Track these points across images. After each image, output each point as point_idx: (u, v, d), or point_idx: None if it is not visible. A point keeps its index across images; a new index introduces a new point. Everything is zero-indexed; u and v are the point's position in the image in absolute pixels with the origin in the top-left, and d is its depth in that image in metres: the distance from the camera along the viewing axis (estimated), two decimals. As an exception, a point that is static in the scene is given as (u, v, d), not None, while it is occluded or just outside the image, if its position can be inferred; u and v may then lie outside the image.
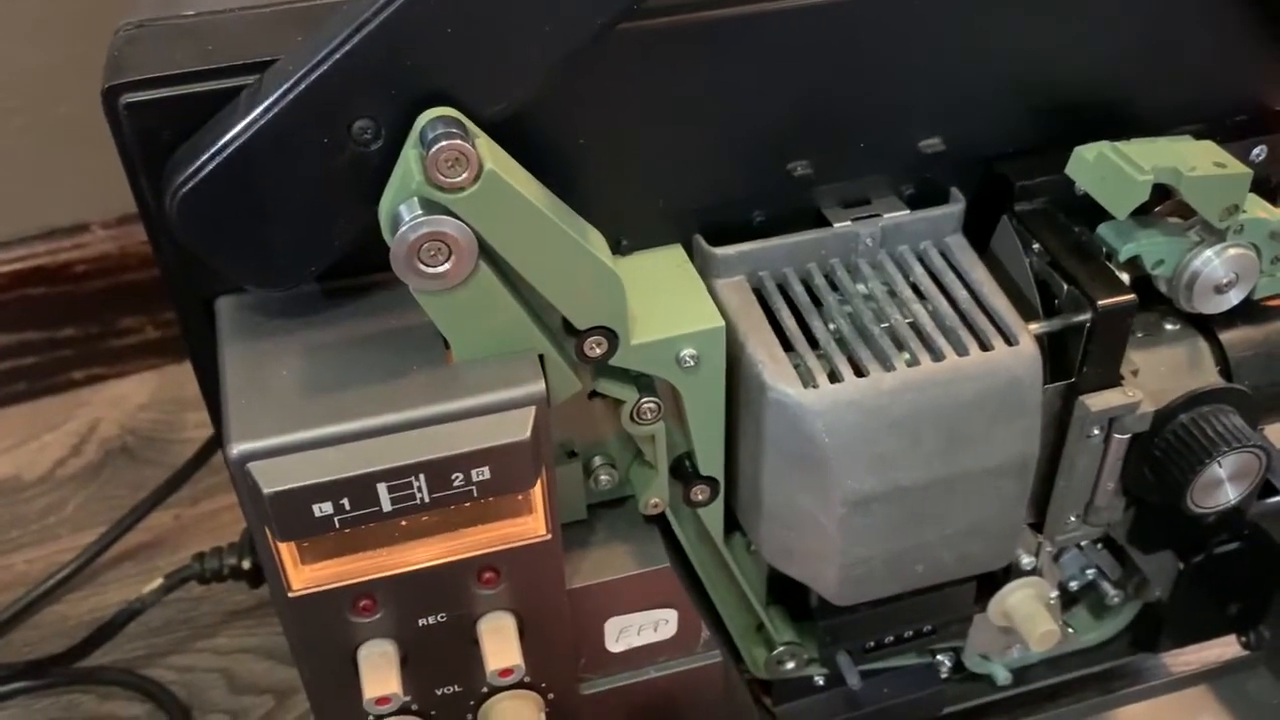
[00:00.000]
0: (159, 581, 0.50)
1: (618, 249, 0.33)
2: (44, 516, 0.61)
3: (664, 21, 0.30)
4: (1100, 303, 0.32)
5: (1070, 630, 0.45)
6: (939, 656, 0.44)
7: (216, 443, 0.54)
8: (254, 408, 0.28)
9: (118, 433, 0.67)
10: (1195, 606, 0.44)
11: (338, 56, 0.26)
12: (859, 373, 0.32)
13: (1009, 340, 0.32)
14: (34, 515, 0.62)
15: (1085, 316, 0.32)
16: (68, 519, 0.61)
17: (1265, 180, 0.37)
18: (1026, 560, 0.40)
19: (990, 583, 0.40)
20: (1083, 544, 0.41)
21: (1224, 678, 0.48)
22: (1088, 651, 0.46)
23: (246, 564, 0.48)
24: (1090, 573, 0.42)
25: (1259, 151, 0.37)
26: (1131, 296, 0.33)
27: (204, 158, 0.27)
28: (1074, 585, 0.42)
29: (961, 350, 0.32)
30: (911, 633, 0.40)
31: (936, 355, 0.32)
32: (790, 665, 0.41)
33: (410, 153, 0.26)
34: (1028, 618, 0.39)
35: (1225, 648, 0.49)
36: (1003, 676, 0.45)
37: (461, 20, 0.26)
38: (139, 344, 0.70)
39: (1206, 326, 0.37)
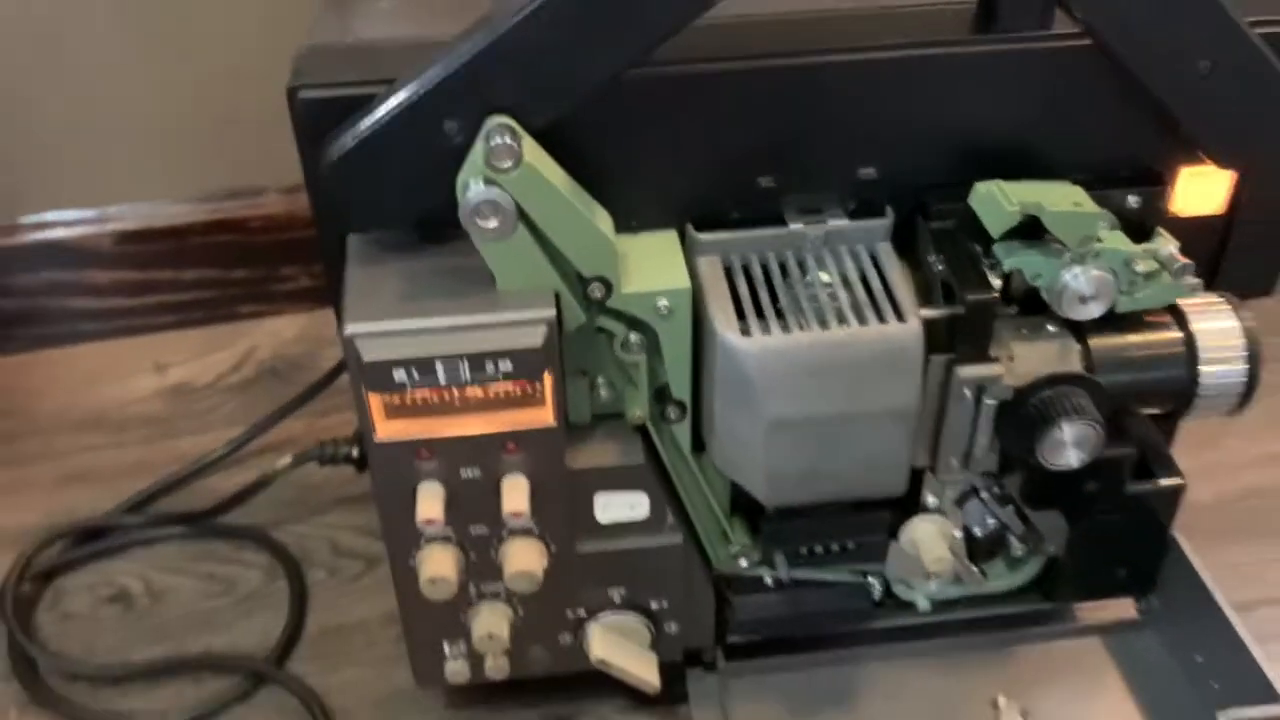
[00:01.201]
0: (288, 459, 0.65)
1: (629, 229, 0.46)
2: (206, 414, 0.78)
3: (663, 71, 0.43)
4: (969, 297, 0.44)
5: (984, 577, 0.56)
6: (871, 579, 0.55)
7: (341, 368, 0.69)
8: (362, 305, 0.42)
9: (270, 358, 0.83)
10: (1086, 565, 0.54)
11: (441, 79, 0.40)
12: (786, 330, 0.44)
13: (901, 318, 0.44)
14: (198, 413, 0.78)
15: (959, 307, 0.44)
16: (223, 418, 0.77)
17: (1141, 222, 0.48)
18: (931, 500, 0.51)
19: (903, 517, 0.52)
20: (984, 496, 0.52)
21: (1116, 634, 0.58)
22: (1002, 596, 0.57)
23: (355, 453, 0.63)
24: (991, 522, 0.53)
25: (1134, 199, 0.47)
26: (993, 295, 0.44)
27: (349, 138, 0.41)
28: (978, 531, 0.53)
29: (864, 322, 0.44)
30: (838, 547, 0.52)
31: (845, 323, 0.44)
32: (744, 563, 0.53)
33: (479, 145, 0.40)
34: (924, 544, 0.51)
35: (1125, 609, 0.59)
36: (924, 604, 0.56)
37: (515, 70, 0.39)
38: (295, 289, 0.86)
39: (1080, 332, 0.48)
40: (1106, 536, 0.53)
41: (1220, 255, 0.51)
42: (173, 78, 0.77)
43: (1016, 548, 0.54)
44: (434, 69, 0.40)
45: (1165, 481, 0.52)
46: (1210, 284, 0.50)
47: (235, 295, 0.85)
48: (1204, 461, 0.71)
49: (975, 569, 0.54)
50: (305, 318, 0.86)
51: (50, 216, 0.81)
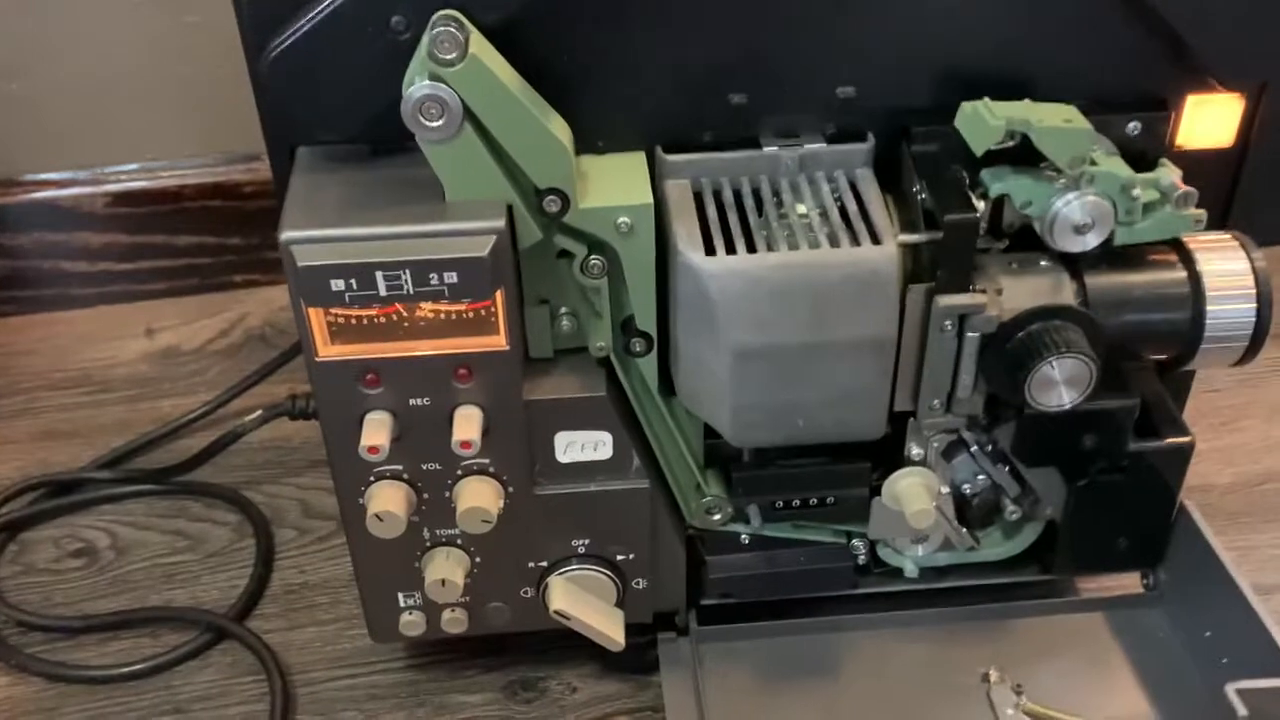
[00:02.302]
0: (258, 413, 0.63)
1: (595, 149, 0.44)
2: (190, 377, 0.76)
3: (629, -28, 0.41)
4: (948, 218, 0.41)
5: (976, 542, 0.52)
6: (855, 541, 0.52)
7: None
8: (301, 212, 0.40)
9: (259, 325, 0.81)
10: (1086, 533, 0.51)
11: (386, -28, 0.38)
12: (752, 250, 0.41)
13: (876, 241, 0.41)
14: (183, 375, 0.76)
15: (938, 231, 0.41)
16: (207, 381, 0.75)
17: (1142, 152, 0.45)
18: (915, 451, 0.48)
19: (886, 470, 0.49)
20: (974, 450, 0.49)
21: (1120, 609, 0.54)
22: (997, 565, 0.54)
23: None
24: (982, 479, 0.49)
25: (1134, 126, 0.44)
26: (974, 215, 0.41)
27: (286, 35, 0.39)
28: (968, 489, 0.50)
29: (835, 243, 0.41)
30: (816, 501, 0.49)
31: (813, 244, 0.41)
32: (717, 516, 0.50)
33: (424, 37, 0.38)
34: (907, 497, 0.47)
35: (1130, 583, 0.55)
36: (911, 570, 0.53)
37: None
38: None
39: (1074, 266, 0.44)
40: (1108, 500, 0.50)
41: (1232, 193, 0.47)
42: (170, 39, 0.76)
43: (1011, 510, 0.51)
44: (380, -38, 0.38)
45: (1171, 439, 0.48)
46: (1223, 225, 0.47)
47: (229, 262, 0.84)
48: (1223, 443, 0.68)
49: (964, 531, 0.51)
50: (300, 288, 0.84)
51: (42, 177, 0.80)
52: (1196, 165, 0.46)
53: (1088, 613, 0.54)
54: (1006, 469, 0.50)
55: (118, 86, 0.78)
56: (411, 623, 0.50)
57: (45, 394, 0.75)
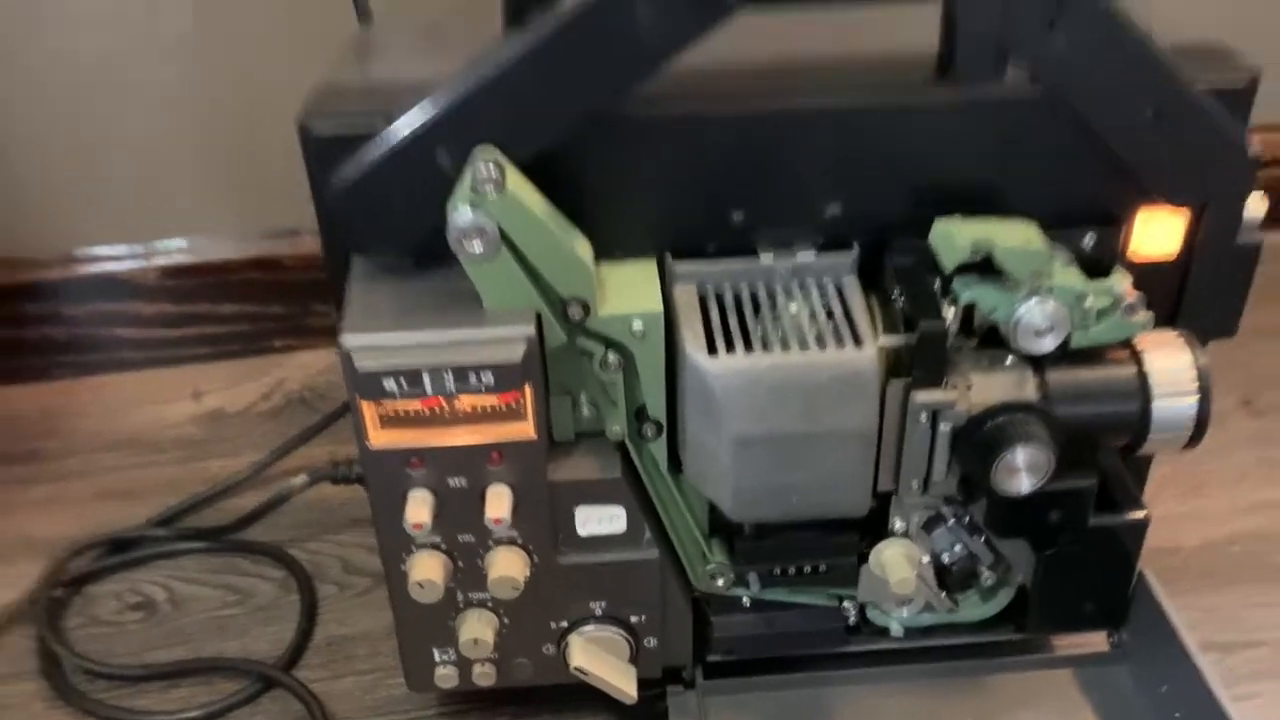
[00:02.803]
0: (304, 477, 0.69)
1: (612, 257, 0.50)
2: (235, 439, 0.82)
3: (642, 113, 0.46)
4: (921, 325, 0.46)
5: (954, 604, 0.57)
6: (846, 604, 0.57)
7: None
8: (358, 320, 0.46)
9: (299, 388, 0.87)
10: (1054, 597, 0.56)
11: (434, 114, 0.44)
12: (750, 351, 0.47)
13: (859, 344, 0.47)
14: (228, 437, 0.82)
15: (914, 334, 0.47)
16: (252, 443, 0.81)
17: (1097, 260, 0.50)
18: (899, 524, 0.54)
19: (873, 541, 0.54)
20: (951, 523, 0.54)
21: (1088, 665, 0.59)
22: (976, 625, 0.59)
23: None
24: (960, 549, 0.55)
25: (1089, 238, 0.50)
26: (943, 323, 0.47)
27: (349, 169, 0.45)
28: (946, 558, 0.55)
29: (824, 346, 0.47)
30: (809, 568, 0.54)
31: (804, 346, 0.47)
32: (720, 581, 0.55)
33: (466, 173, 0.44)
34: (890, 566, 0.53)
35: (1098, 642, 0.60)
36: (897, 629, 0.58)
37: (499, 106, 0.44)
38: (325, 325, 0.90)
39: (1037, 364, 0.50)
40: (1073, 568, 0.55)
41: (1180, 296, 0.53)
42: (217, 125, 0.83)
43: (986, 577, 0.56)
44: (428, 105, 0.44)
45: (1129, 515, 0.54)
46: (1173, 324, 0.53)
47: (270, 329, 0.90)
48: (1192, 507, 0.73)
49: (944, 595, 0.56)
50: (331, 352, 0.90)
51: (98, 251, 0.86)
52: (1148, 271, 0.52)
53: (1059, 669, 0.59)
54: (981, 540, 0.55)
55: (168, 169, 0.85)
56: (445, 675, 0.55)
57: (101, 455, 0.81)
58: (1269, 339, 0.88)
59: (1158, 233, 0.51)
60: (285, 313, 0.90)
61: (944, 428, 0.48)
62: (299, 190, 0.50)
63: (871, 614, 0.58)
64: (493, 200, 0.44)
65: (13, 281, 0.86)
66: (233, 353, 0.90)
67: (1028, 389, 0.49)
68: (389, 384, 0.45)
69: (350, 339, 0.45)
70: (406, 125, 0.45)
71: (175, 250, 0.87)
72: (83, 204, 0.85)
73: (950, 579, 0.56)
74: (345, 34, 0.64)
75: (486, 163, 0.43)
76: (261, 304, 0.89)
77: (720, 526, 0.55)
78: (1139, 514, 0.54)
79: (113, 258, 0.87)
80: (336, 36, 0.64)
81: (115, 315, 0.88)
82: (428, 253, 0.47)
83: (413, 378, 0.45)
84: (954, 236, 0.47)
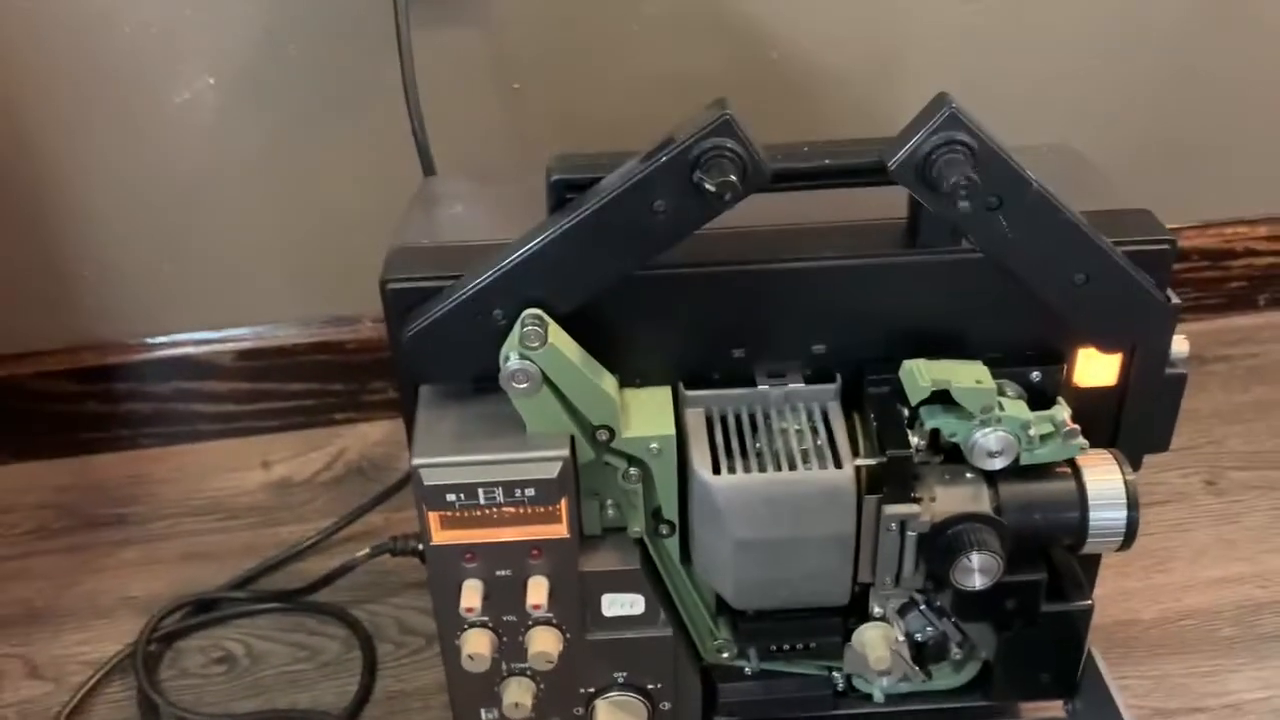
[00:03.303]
0: (366, 550, 0.79)
1: (633, 384, 0.60)
2: (302, 506, 0.92)
3: (659, 272, 0.56)
4: (889, 451, 0.56)
5: (929, 676, 0.66)
6: (835, 674, 0.67)
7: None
8: (426, 442, 0.56)
9: (358, 458, 0.97)
10: (1014, 670, 0.65)
11: (491, 279, 0.54)
12: (748, 471, 0.57)
13: (839, 466, 0.56)
14: (296, 504, 0.93)
15: (883, 458, 0.56)
16: (317, 509, 0.91)
17: (1043, 391, 0.60)
18: (877, 610, 0.63)
19: (856, 622, 0.63)
20: (922, 608, 0.63)
21: (1047, 731, 0.68)
22: (948, 693, 0.68)
23: (420, 546, 0.76)
24: (931, 630, 0.64)
25: (1036, 374, 0.59)
26: (909, 450, 0.56)
27: (420, 320, 0.55)
28: (920, 637, 0.64)
29: (810, 467, 0.56)
30: (802, 646, 0.64)
31: (792, 466, 0.56)
32: (725, 654, 0.65)
33: (516, 329, 0.54)
34: (870, 646, 0.62)
35: (1055, 710, 0.69)
36: (879, 696, 0.67)
37: (541, 275, 0.54)
38: (381, 400, 1.00)
39: (992, 479, 0.59)
40: (1030, 646, 0.64)
41: (1119, 419, 0.62)
42: (287, 229, 0.94)
43: (955, 652, 0.65)
44: (486, 271, 0.55)
45: (1076, 604, 0.63)
46: (1114, 443, 0.62)
47: (332, 404, 1.01)
48: (1152, 583, 0.82)
49: (918, 669, 0.65)
50: (390, 424, 1.00)
51: (180, 336, 0.97)
52: (1091, 396, 0.61)
53: (1021, 733, 0.68)
54: (950, 621, 0.64)
55: (243, 265, 0.95)
56: (490, 732, 0.65)
57: (185, 519, 0.91)
58: (1231, 423, 0.97)
59: (1097, 367, 0.61)
60: (345, 389, 1.00)
61: (911, 534, 0.58)
62: (357, 283, 0.59)
63: (857, 683, 0.67)
64: (536, 351, 0.54)
65: (104, 362, 0.97)
66: (298, 425, 1.00)
67: (982, 501, 0.58)
68: (450, 496, 0.55)
69: (420, 459, 0.55)
70: (468, 286, 0.55)
71: (248, 335, 0.98)
72: (167, 295, 0.96)
73: (925, 654, 0.65)
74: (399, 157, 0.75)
75: (533, 322, 0.54)
76: (324, 382, 1.00)
77: (726, 608, 0.64)
78: (1085, 603, 0.63)
79: (193, 342, 0.97)
80: (389, 162, 0.75)
81: (194, 393, 0.98)
82: (483, 381, 0.58)
83: (469, 491, 0.55)
84: (917, 377, 0.56)
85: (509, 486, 0.55)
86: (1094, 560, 0.67)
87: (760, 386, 0.60)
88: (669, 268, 0.57)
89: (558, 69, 0.91)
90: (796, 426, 0.59)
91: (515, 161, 0.88)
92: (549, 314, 0.55)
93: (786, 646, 0.64)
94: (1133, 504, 0.58)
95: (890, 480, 0.57)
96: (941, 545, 0.57)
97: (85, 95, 0.87)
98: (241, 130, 0.90)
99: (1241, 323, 1.10)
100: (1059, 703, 0.69)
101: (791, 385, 0.59)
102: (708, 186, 0.50)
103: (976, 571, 0.57)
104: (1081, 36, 0.96)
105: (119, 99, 0.87)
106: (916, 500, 0.58)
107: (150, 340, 0.97)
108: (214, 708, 0.75)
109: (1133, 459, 0.61)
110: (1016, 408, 0.58)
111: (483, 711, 0.65)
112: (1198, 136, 1.04)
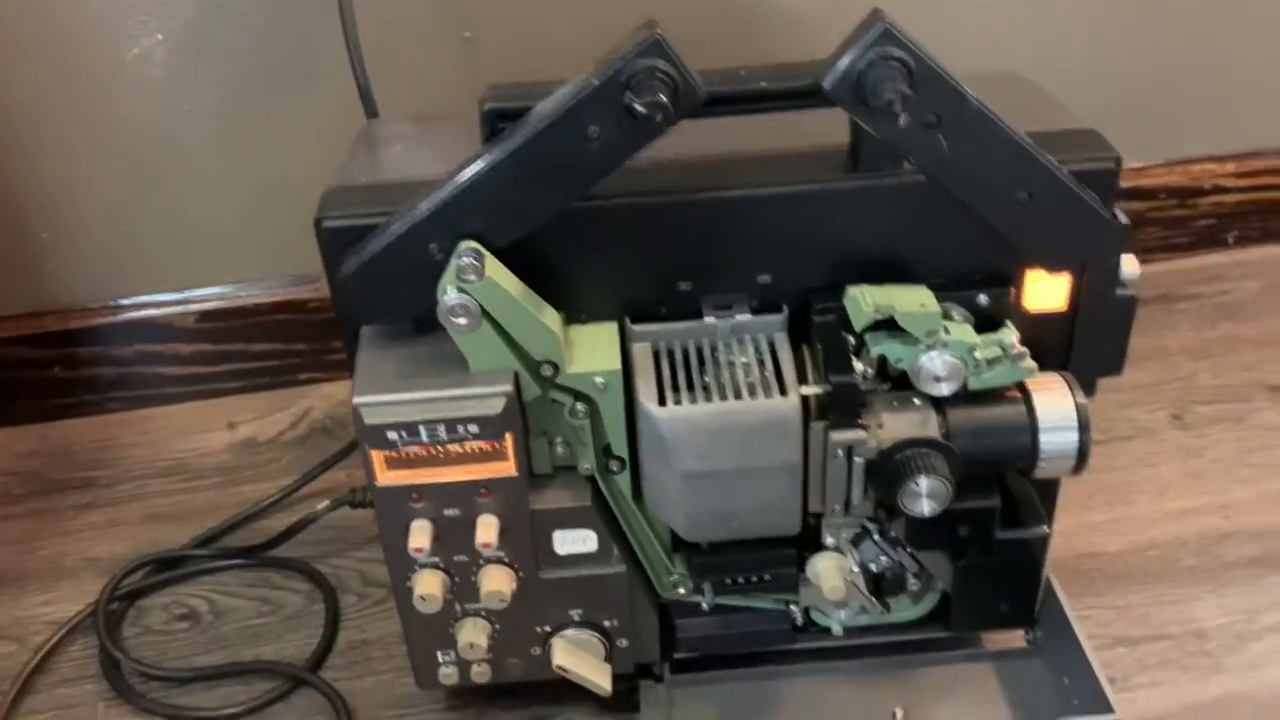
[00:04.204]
0: (327, 502, 0.79)
1: (579, 321, 0.59)
2: (267, 465, 0.92)
3: (600, 203, 0.56)
4: (833, 377, 0.56)
5: (885, 608, 0.66)
6: (793, 609, 0.66)
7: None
8: (368, 382, 0.56)
9: (323, 417, 0.97)
10: (972, 600, 0.65)
11: (425, 214, 0.54)
12: (694, 402, 0.56)
13: (783, 393, 0.56)
14: (261, 463, 0.92)
15: (828, 385, 0.56)
16: (281, 468, 0.91)
17: (992, 315, 0.59)
18: (830, 540, 0.63)
19: (810, 553, 0.63)
20: (876, 537, 0.63)
21: (1006, 660, 0.68)
22: (908, 625, 0.68)
23: (378, 497, 0.76)
24: (885, 560, 0.64)
25: (984, 298, 0.59)
26: (853, 376, 0.56)
27: (356, 258, 0.55)
28: (874, 568, 0.64)
29: (755, 396, 0.56)
30: (756, 578, 0.63)
31: (738, 395, 0.56)
32: (682, 590, 0.64)
33: (453, 263, 0.54)
34: (822, 575, 0.62)
35: (1016, 640, 0.69)
36: (837, 629, 0.67)
37: (477, 207, 0.53)
38: (344, 360, 0.99)
39: (940, 405, 0.59)
40: (987, 575, 0.64)
41: (1071, 342, 0.62)
42: (246, 184, 0.93)
43: (912, 583, 0.65)
44: (421, 205, 0.54)
45: (1032, 530, 0.63)
46: (1066, 367, 0.62)
47: (296, 364, 1.00)
48: (1118, 514, 0.82)
49: (875, 601, 0.65)
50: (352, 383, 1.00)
51: (142, 299, 0.97)
52: (1042, 321, 0.60)
53: (981, 663, 0.68)
54: (905, 551, 0.64)
55: (203, 227, 0.95)
56: (448, 674, 0.65)
57: (150, 481, 0.91)
58: (1199, 359, 0.96)
59: (1047, 290, 0.60)
60: (309, 349, 1.00)
61: (858, 460, 0.57)
62: (314, 241, 0.59)
63: (815, 616, 0.67)
64: (474, 285, 0.53)
65: (66, 327, 0.96)
66: (263, 386, 1.00)
67: (930, 427, 0.58)
68: (391, 435, 0.55)
69: (360, 398, 0.55)
70: (403, 222, 0.54)
71: (211, 296, 0.97)
72: (127, 257, 0.95)
73: (882, 586, 0.65)
74: (353, 112, 0.74)
75: (470, 254, 0.53)
76: (288, 342, 0.99)
77: (680, 544, 0.64)
78: (1041, 529, 0.63)
79: (155, 304, 0.97)
80: (344, 115, 0.74)
81: (158, 355, 0.98)
82: (424, 322, 0.57)
83: (411, 429, 0.55)
84: (860, 302, 0.56)
85: (451, 424, 0.55)
86: (1052, 489, 0.67)
87: (707, 319, 0.59)
88: (610, 198, 0.56)
89: (509, 19, 0.89)
90: (744, 359, 0.58)
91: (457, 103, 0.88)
92: (486, 247, 0.54)
93: (741, 580, 0.64)
94: (1084, 426, 0.58)
95: (836, 406, 0.56)
96: (889, 471, 0.57)
97: (36, 55, 0.86)
98: (193, 89, 0.89)
99: (1211, 260, 1.10)
100: (1020, 633, 0.69)
101: (738, 317, 0.59)
102: (638, 108, 0.50)
103: (924, 497, 0.57)
104: (1042, -28, 0.96)
105: (70, 58, 0.86)
106: (864, 427, 0.57)
107: (113, 304, 0.97)
108: (177, 663, 0.75)
109: (1087, 383, 0.61)
110: (962, 331, 0.57)
111: (439, 654, 0.64)
112: (1165, 74, 1.03)
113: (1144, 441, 0.88)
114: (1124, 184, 1.13)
